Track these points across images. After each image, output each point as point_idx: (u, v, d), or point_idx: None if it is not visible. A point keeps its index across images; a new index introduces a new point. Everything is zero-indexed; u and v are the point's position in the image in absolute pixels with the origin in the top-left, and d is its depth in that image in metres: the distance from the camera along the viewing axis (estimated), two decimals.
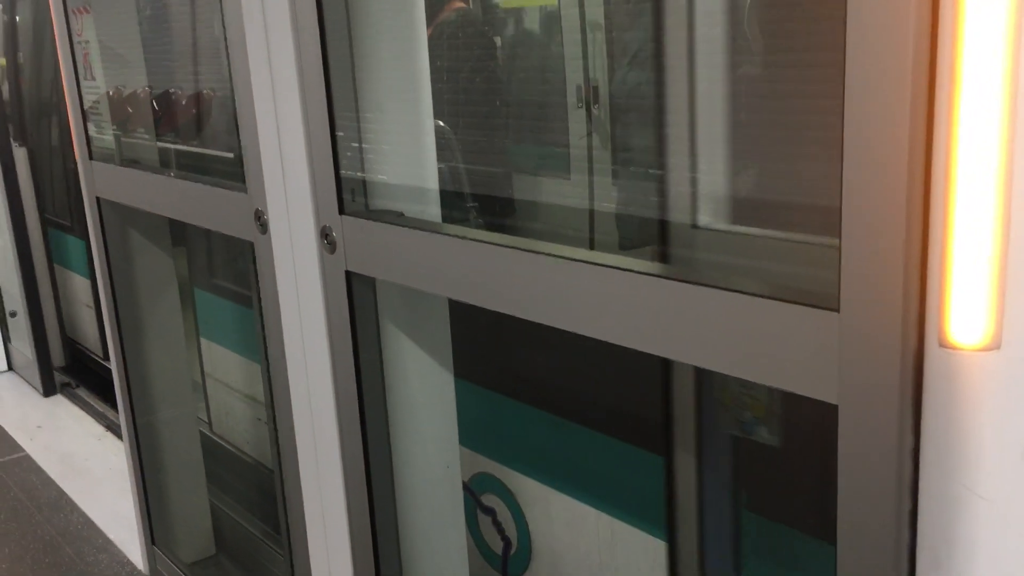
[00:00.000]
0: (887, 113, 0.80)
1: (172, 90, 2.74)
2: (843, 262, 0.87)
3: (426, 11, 1.63)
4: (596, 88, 3.22)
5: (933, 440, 0.84)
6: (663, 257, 1.76)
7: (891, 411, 0.85)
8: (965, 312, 0.79)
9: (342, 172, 1.49)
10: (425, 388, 1.66)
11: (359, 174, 1.56)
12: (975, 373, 0.80)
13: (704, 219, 1.66)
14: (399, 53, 1.55)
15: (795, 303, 0.93)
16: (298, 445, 1.73)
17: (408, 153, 1.60)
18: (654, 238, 1.82)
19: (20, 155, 4.44)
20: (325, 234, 1.51)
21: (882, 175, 0.82)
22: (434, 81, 1.63)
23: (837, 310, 0.89)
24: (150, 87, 2.62)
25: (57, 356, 4.58)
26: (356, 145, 1.56)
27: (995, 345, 0.79)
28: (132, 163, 2.45)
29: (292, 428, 1.74)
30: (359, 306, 1.52)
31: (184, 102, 2.72)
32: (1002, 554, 0.84)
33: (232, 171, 2.08)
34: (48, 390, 4.49)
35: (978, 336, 0.79)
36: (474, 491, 2.16)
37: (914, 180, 0.80)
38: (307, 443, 1.71)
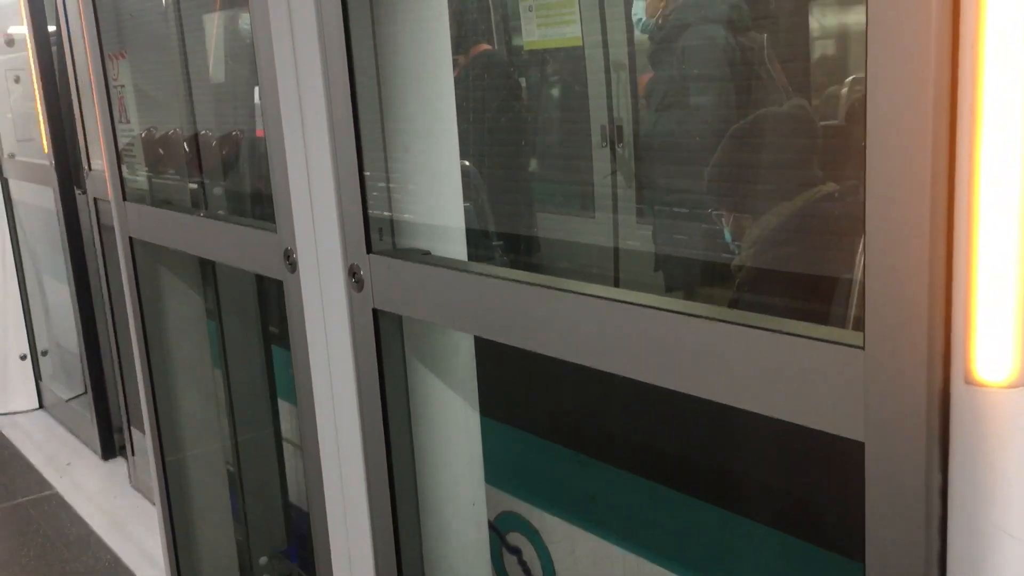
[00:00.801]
0: (909, 155, 0.81)
1: (203, 131, 2.80)
2: (868, 300, 0.87)
3: (452, 54, 1.67)
4: (620, 128, 3.25)
5: (961, 478, 0.84)
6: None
7: (918, 449, 0.85)
8: (990, 349, 0.79)
9: (370, 211, 1.52)
10: (451, 425, 1.67)
11: (386, 213, 1.59)
12: (1002, 410, 0.80)
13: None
14: (426, 94, 1.58)
15: (821, 340, 0.93)
16: (324, 482, 1.74)
17: (434, 192, 1.63)
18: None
19: (83, 203, 4.09)
20: (353, 272, 1.53)
21: (905, 214, 0.82)
22: (460, 122, 1.66)
23: (863, 347, 0.89)
24: (182, 129, 2.68)
25: (116, 415, 4.23)
26: (383, 185, 1.58)
27: (1021, 382, 0.79)
28: (164, 203, 2.50)
29: (319, 464, 1.75)
30: (386, 343, 1.53)
31: (215, 143, 2.77)
32: None
33: (262, 211, 2.11)
34: (107, 453, 4.28)
35: (1004, 373, 0.79)
36: (500, 530, 2.16)
37: (937, 219, 0.81)
38: (334, 480, 1.72)
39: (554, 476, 2.06)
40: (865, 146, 0.84)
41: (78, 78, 3.75)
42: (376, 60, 1.52)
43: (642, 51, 3.08)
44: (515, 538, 2.14)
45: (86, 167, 3.87)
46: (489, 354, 1.73)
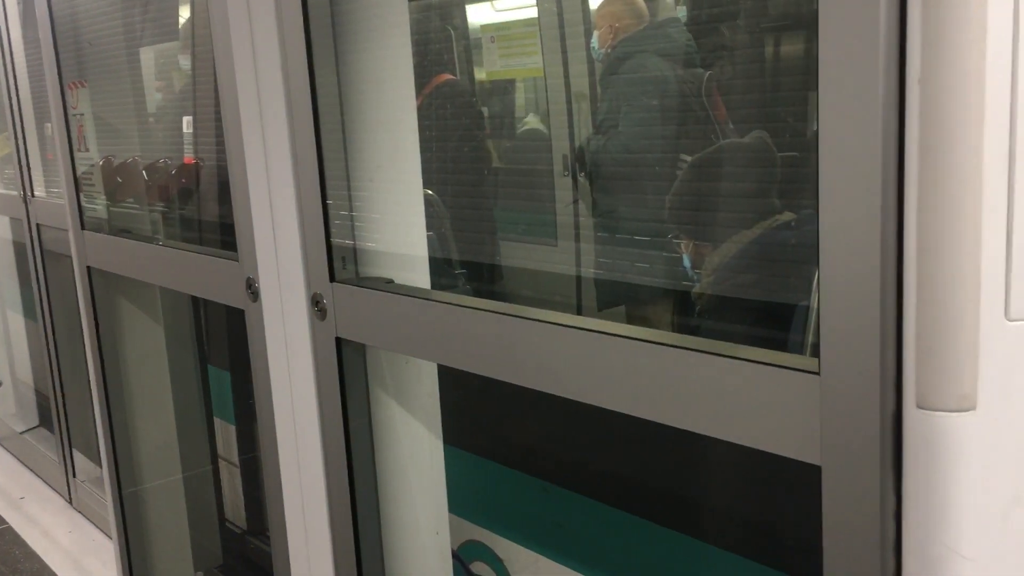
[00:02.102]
0: (860, 188, 0.84)
1: (163, 160, 2.78)
2: (823, 327, 0.89)
3: (415, 83, 1.68)
4: (581, 156, 3.29)
5: (915, 501, 0.86)
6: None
7: (872, 472, 0.87)
8: (940, 374, 0.82)
9: (333, 240, 1.52)
10: (414, 454, 1.66)
11: (349, 242, 1.59)
12: (952, 434, 0.82)
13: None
14: (389, 123, 1.59)
15: (778, 367, 0.95)
16: (287, 510, 1.73)
17: (398, 221, 1.63)
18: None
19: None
20: (316, 301, 1.53)
21: (857, 244, 0.85)
22: (423, 151, 1.67)
23: (818, 373, 0.91)
24: (141, 156, 2.67)
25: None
26: (347, 214, 1.59)
27: (971, 406, 0.81)
28: (123, 232, 2.48)
29: (281, 493, 1.73)
30: (349, 372, 1.53)
31: (175, 171, 2.76)
32: None
33: (224, 240, 2.10)
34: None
35: (954, 398, 0.81)
36: (463, 559, 2.15)
37: (887, 249, 0.83)
38: (296, 509, 1.70)
39: (518, 504, 2.06)
40: (818, 181, 0.87)
41: (21, 107, 3.76)
42: (339, 89, 1.53)
43: (603, 81, 3.13)
44: (479, 567, 2.13)
45: (28, 194, 3.86)
46: (453, 383, 1.73)
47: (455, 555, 2.05)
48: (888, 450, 0.86)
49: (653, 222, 1.93)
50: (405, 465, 1.65)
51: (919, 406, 0.83)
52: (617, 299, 2.07)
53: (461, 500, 2.00)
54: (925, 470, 0.84)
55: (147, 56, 2.73)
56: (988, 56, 0.77)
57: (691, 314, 1.75)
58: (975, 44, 0.77)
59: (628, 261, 2.05)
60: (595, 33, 2.79)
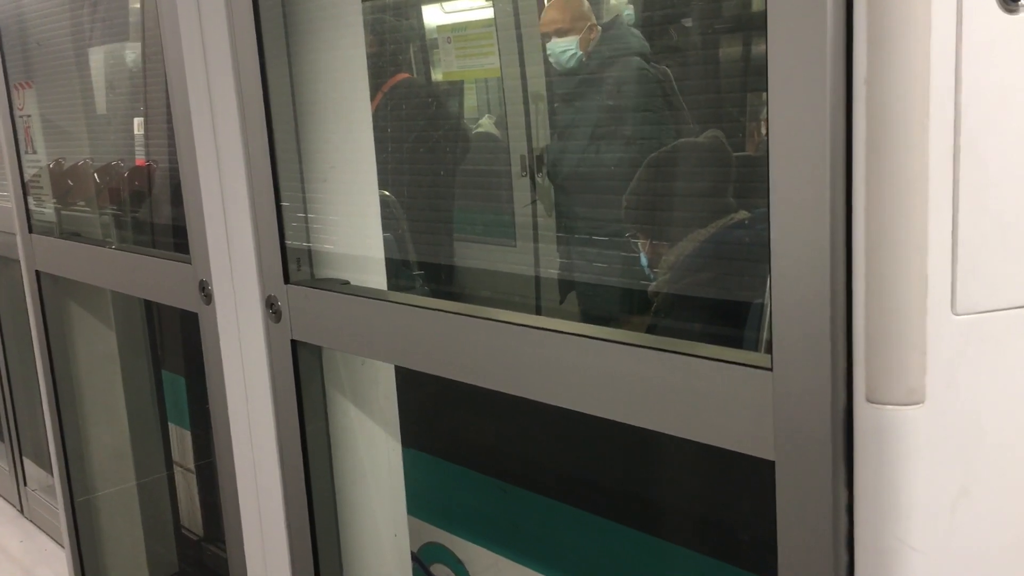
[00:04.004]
0: (809, 187, 0.85)
1: (115, 162, 2.74)
2: (775, 324, 0.90)
3: (372, 83, 1.67)
4: (540, 157, 3.29)
5: (866, 494, 0.87)
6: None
7: (825, 466, 0.88)
8: (889, 369, 0.83)
9: (287, 242, 1.50)
10: (372, 457, 1.65)
11: (305, 244, 1.58)
12: (902, 428, 0.84)
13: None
14: (343, 124, 1.58)
15: (732, 363, 0.96)
16: (242, 515, 1.71)
17: (353, 222, 1.62)
18: None
19: None
20: (270, 304, 1.52)
21: (807, 243, 0.86)
22: (379, 151, 1.67)
23: (771, 369, 0.92)
24: (92, 159, 2.62)
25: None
26: (301, 215, 1.57)
27: (919, 399, 0.83)
28: (73, 236, 2.43)
29: (236, 499, 1.71)
30: (305, 374, 1.52)
31: (127, 174, 2.72)
32: None
33: (177, 242, 2.07)
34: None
35: (902, 392, 0.83)
36: (423, 561, 2.14)
37: (836, 247, 0.84)
38: (251, 513, 1.68)
39: (477, 506, 2.06)
40: (769, 185, 0.88)
41: None
42: (292, 88, 1.52)
43: (560, 82, 3.13)
44: (439, 569, 2.12)
45: None
46: (411, 384, 1.72)
47: (415, 558, 2.04)
48: (840, 444, 0.87)
49: (619, 223, 1.94)
50: (363, 468, 1.64)
51: (869, 400, 0.85)
52: (578, 300, 2.08)
53: (420, 502, 1.99)
54: (876, 463, 0.86)
55: (96, 56, 2.68)
56: (932, 56, 0.78)
57: (649, 313, 1.76)
58: (919, 44, 0.78)
59: (589, 261, 2.06)
60: (554, 39, 2.78)
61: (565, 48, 2.74)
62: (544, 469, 1.95)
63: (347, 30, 1.61)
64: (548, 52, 2.81)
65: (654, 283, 1.75)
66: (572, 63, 2.72)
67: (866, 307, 0.84)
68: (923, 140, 0.79)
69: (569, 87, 2.88)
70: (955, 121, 0.80)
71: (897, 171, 0.81)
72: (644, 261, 1.80)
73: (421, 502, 2.00)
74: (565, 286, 2.15)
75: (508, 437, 2.00)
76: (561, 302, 2.11)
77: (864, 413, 0.85)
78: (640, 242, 1.81)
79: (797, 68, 0.84)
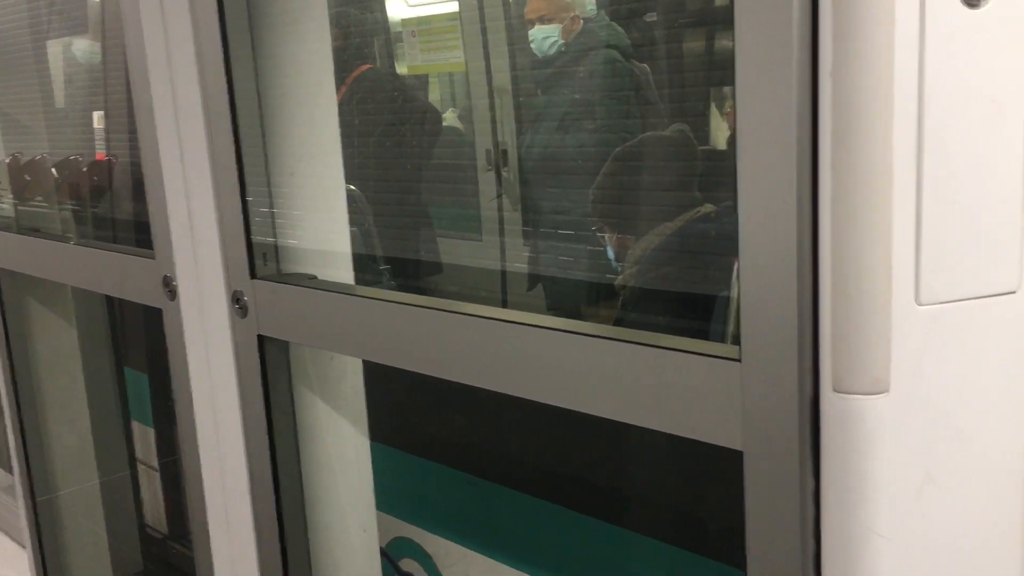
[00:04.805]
0: (777, 180, 0.85)
1: (73, 156, 2.69)
2: (743, 315, 0.91)
3: (336, 76, 1.66)
4: (505, 152, 3.29)
5: (833, 482, 0.88)
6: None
7: (792, 456, 0.89)
8: (855, 358, 0.84)
9: (253, 237, 1.49)
10: (340, 452, 1.64)
11: (271, 239, 1.56)
12: (867, 416, 0.85)
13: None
14: (309, 117, 1.57)
15: (700, 354, 0.97)
16: (209, 513, 1.69)
17: (320, 216, 1.61)
18: None
19: None
20: (236, 299, 1.50)
21: (774, 234, 0.86)
22: (345, 146, 1.65)
23: (739, 360, 0.93)
24: (50, 154, 2.57)
25: None
26: (267, 210, 1.56)
27: (884, 389, 0.84)
28: (33, 231, 2.39)
29: (203, 496, 1.69)
30: (272, 370, 1.51)
31: (86, 168, 2.67)
32: None
33: (139, 237, 2.04)
34: None
35: (868, 381, 0.84)
36: (391, 556, 2.13)
37: (803, 239, 0.85)
38: (218, 511, 1.67)
39: (445, 499, 2.05)
40: (736, 179, 0.88)
41: None
42: (257, 81, 1.50)
43: (533, 74, 3.13)
44: (408, 564, 2.12)
45: None
46: (379, 379, 1.71)
47: (383, 553, 2.03)
48: (806, 433, 0.88)
49: (587, 216, 1.94)
50: (331, 463, 1.63)
51: (835, 390, 0.86)
52: (545, 294, 2.08)
53: (388, 497, 1.98)
54: (842, 452, 0.87)
55: (55, 49, 2.63)
56: (896, 49, 0.79)
57: (616, 306, 1.77)
58: (884, 37, 0.79)
59: (555, 255, 2.06)
60: (538, 26, 2.78)
61: (547, 35, 2.74)
62: (512, 462, 1.95)
63: (313, 23, 1.60)
64: (530, 39, 2.81)
65: (620, 277, 1.76)
66: (553, 51, 2.72)
67: (832, 298, 0.85)
68: (888, 132, 0.80)
69: (545, 78, 2.88)
70: (919, 114, 0.81)
71: (862, 163, 0.82)
72: (611, 255, 1.81)
73: (389, 497, 1.99)
74: (532, 280, 2.15)
75: (476, 431, 2.00)
76: (531, 295, 2.11)
77: (830, 403, 0.86)
78: (607, 236, 1.82)
79: (764, 61, 0.85)
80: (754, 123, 0.87)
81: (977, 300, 0.85)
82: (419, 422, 2.12)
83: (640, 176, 1.82)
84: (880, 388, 0.84)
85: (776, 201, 0.86)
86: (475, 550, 1.98)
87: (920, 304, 0.84)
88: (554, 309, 2.04)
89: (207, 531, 1.70)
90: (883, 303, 0.83)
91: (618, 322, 1.73)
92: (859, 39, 0.80)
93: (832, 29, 0.81)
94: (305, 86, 1.56)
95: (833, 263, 0.84)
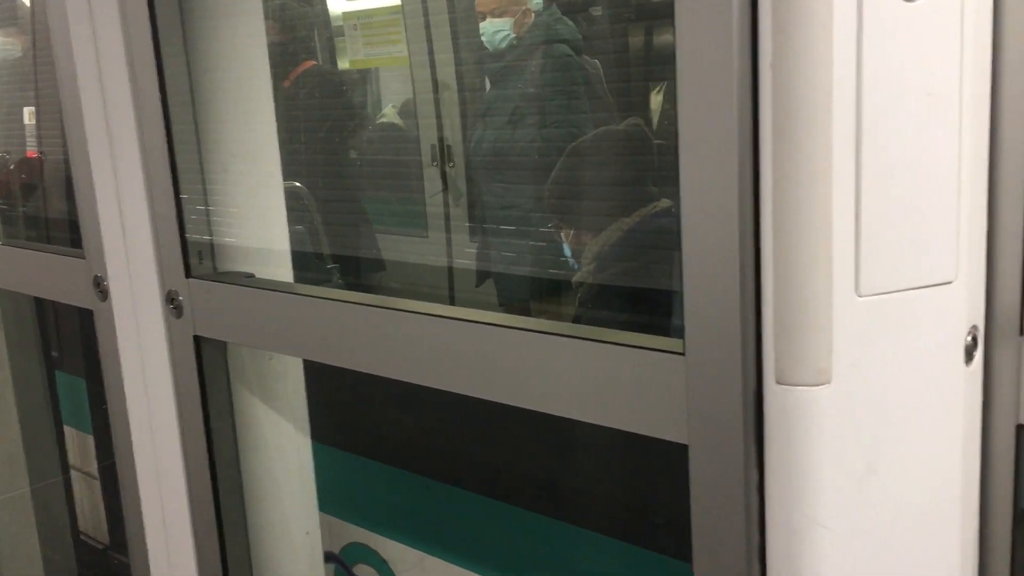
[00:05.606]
0: (718, 174, 0.85)
1: (2, 153, 2.61)
2: (687, 309, 0.91)
3: (278, 72, 1.63)
4: (450, 147, 3.27)
5: (776, 474, 0.88)
6: None
7: (736, 448, 0.89)
8: (797, 350, 0.84)
9: (188, 235, 1.45)
10: (281, 453, 1.61)
11: (207, 237, 1.53)
12: (810, 407, 0.85)
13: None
14: (244, 113, 1.53)
15: (646, 349, 0.96)
16: (145, 519, 1.64)
17: (257, 214, 1.58)
18: None
19: None
20: (171, 299, 1.46)
21: (716, 228, 0.86)
22: (288, 141, 1.62)
23: (683, 354, 0.92)
24: None
25: None
26: (203, 207, 1.52)
27: (826, 380, 0.84)
28: None
29: (139, 503, 1.65)
30: (209, 371, 1.47)
31: (15, 166, 2.59)
32: None
33: (72, 237, 1.98)
34: None
35: (810, 372, 0.84)
36: (346, 562, 2.10)
37: (745, 232, 0.85)
38: (155, 517, 1.62)
39: (400, 503, 2.02)
40: (678, 167, 0.88)
41: None
42: (190, 76, 1.46)
43: (471, 69, 3.11)
44: (362, 570, 2.08)
45: None
46: (327, 381, 1.69)
47: (337, 559, 2.00)
48: (751, 426, 0.88)
49: (538, 212, 1.93)
50: (272, 465, 1.60)
51: (778, 382, 0.86)
52: (497, 290, 2.06)
53: (341, 502, 1.95)
54: (785, 443, 0.87)
55: None
56: (835, 42, 0.79)
57: (572, 302, 1.76)
58: (822, 30, 0.79)
59: (500, 251, 2.05)
60: (489, 20, 2.76)
61: (499, 29, 2.72)
62: (467, 463, 1.93)
63: (246, 17, 1.57)
64: (481, 32, 2.79)
65: (578, 273, 1.75)
66: (505, 45, 2.70)
67: (774, 291, 0.85)
68: (827, 125, 0.81)
69: (494, 73, 2.87)
70: (857, 106, 0.81)
71: (802, 156, 0.82)
72: (568, 251, 1.80)
73: (342, 501, 1.96)
74: (481, 276, 2.13)
75: (429, 432, 1.98)
76: (476, 291, 2.09)
77: (773, 394, 0.87)
78: (563, 232, 1.81)
79: (704, 54, 0.84)
80: (695, 117, 0.86)
81: (916, 291, 0.86)
82: (373, 425, 2.09)
83: (595, 171, 1.81)
84: (822, 379, 0.84)
85: (718, 194, 0.86)
86: (432, 554, 1.95)
87: (860, 295, 0.84)
88: (505, 306, 2.03)
89: (143, 538, 1.66)
90: (824, 295, 0.83)
91: (576, 319, 1.72)
92: (798, 30, 0.80)
93: (772, 21, 0.81)
94: (240, 82, 1.53)
95: (775, 255, 0.84)
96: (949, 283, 0.87)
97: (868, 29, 0.80)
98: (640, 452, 1.56)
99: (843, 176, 0.82)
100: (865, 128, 0.82)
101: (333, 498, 1.77)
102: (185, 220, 1.45)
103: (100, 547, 2.83)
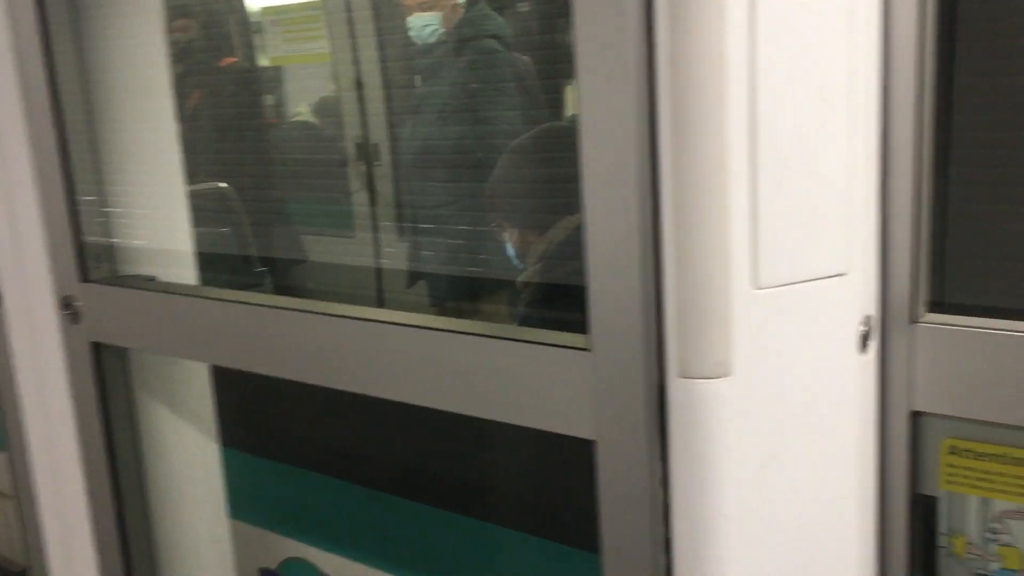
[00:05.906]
0: (617, 170, 0.86)
1: None
2: (591, 305, 0.91)
3: (192, 68, 1.58)
4: (376, 145, 3.22)
5: (680, 466, 0.89)
6: None
7: (640, 442, 0.89)
8: (697, 344, 0.85)
9: (85, 237, 1.40)
10: (187, 460, 1.57)
11: (106, 239, 1.47)
12: (711, 399, 0.86)
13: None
14: (143, 112, 1.49)
15: (552, 345, 0.96)
16: (46, 535, 1.58)
17: (159, 215, 1.53)
18: None
19: None
20: (66, 304, 1.41)
21: (617, 224, 0.87)
22: (202, 140, 1.58)
23: (589, 350, 0.92)
24: None
25: None
26: (101, 209, 1.47)
27: (725, 372, 0.85)
28: None
29: (38, 517, 1.58)
30: (109, 378, 1.43)
31: None
32: (750, 568, 0.90)
33: None
34: None
35: (710, 365, 0.85)
36: None
37: (645, 228, 0.86)
38: (55, 532, 1.56)
39: (340, 515, 1.97)
40: (580, 168, 0.88)
41: None
42: (84, 75, 1.41)
43: (397, 66, 3.07)
44: None
45: None
46: (253, 390, 1.64)
47: (273, 575, 1.93)
48: (654, 419, 0.89)
49: (472, 211, 1.91)
50: (178, 473, 1.56)
51: (680, 375, 0.86)
52: (429, 292, 2.04)
53: (274, 514, 1.89)
54: (688, 436, 0.88)
55: None
56: (728, 35, 0.80)
57: (514, 301, 1.73)
58: (715, 23, 0.80)
59: (434, 251, 2.02)
60: (417, 14, 2.72)
61: (427, 23, 2.69)
62: (403, 470, 1.89)
63: (145, 15, 1.52)
64: (409, 26, 2.75)
65: (523, 274, 1.72)
66: (433, 39, 2.67)
67: (675, 285, 0.85)
68: (721, 119, 0.81)
69: (422, 68, 2.83)
70: (750, 100, 0.82)
71: (698, 150, 0.82)
72: (511, 251, 1.77)
73: (278, 515, 1.90)
74: (412, 277, 2.10)
75: (364, 439, 1.93)
76: (404, 292, 2.06)
77: (676, 388, 0.87)
78: (506, 232, 1.78)
79: (602, 50, 0.84)
80: (595, 114, 0.86)
81: (811, 283, 0.88)
82: (303, 433, 2.03)
83: (539, 169, 1.79)
84: (722, 372, 0.85)
85: (618, 190, 0.86)
86: (374, 566, 1.90)
87: (758, 288, 0.85)
88: (438, 307, 1.99)
89: (44, 553, 1.60)
90: (722, 289, 0.84)
91: (523, 320, 1.69)
92: (693, 25, 0.80)
93: (668, 16, 0.81)
94: (137, 80, 1.48)
95: (675, 250, 0.85)
96: (843, 275, 0.89)
97: (761, 22, 0.81)
98: (553, 447, 1.56)
99: (739, 171, 0.83)
100: (760, 124, 0.83)
101: (266, 511, 1.71)
102: (81, 222, 1.39)
103: (18, 571, 2.71)
